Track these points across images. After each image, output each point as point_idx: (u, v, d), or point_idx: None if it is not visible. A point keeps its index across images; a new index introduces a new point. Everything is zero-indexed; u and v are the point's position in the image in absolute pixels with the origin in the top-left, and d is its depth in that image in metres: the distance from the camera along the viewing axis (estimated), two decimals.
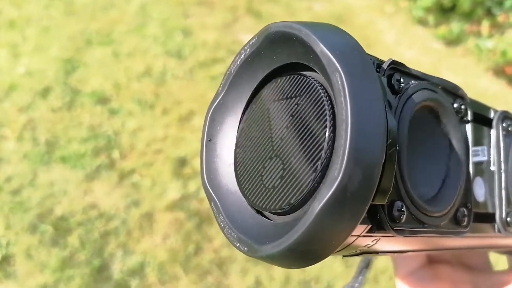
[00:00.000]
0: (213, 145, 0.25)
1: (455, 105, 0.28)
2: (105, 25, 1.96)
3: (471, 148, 0.29)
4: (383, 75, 0.23)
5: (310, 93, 0.21)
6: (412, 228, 0.23)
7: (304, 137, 0.21)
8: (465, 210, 0.27)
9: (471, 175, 0.28)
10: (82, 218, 1.24)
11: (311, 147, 0.20)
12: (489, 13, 2.36)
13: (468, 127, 0.29)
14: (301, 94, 0.22)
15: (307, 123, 0.21)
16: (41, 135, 1.44)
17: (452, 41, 2.40)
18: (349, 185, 0.17)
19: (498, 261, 0.42)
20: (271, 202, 0.21)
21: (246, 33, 2.16)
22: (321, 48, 0.19)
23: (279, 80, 0.23)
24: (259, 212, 0.23)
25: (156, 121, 1.59)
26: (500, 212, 0.30)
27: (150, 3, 2.15)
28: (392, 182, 0.20)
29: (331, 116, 0.20)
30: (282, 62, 0.23)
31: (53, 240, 1.18)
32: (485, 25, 2.33)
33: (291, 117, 0.22)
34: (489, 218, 0.30)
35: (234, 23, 2.21)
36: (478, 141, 0.31)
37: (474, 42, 2.33)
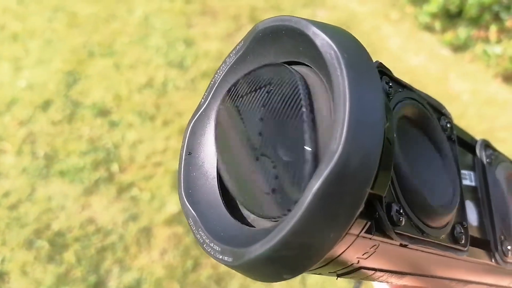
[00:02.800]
0: (193, 158, 0.24)
1: (440, 123, 0.27)
2: (107, 36, 1.96)
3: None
4: None
5: (280, 77, 0.20)
6: (412, 235, 0.21)
7: (283, 124, 0.19)
8: (461, 227, 0.25)
9: (464, 196, 0.27)
10: (79, 234, 1.23)
11: (293, 133, 0.18)
12: (497, 18, 2.31)
13: (456, 147, 0.28)
14: (271, 82, 0.20)
15: (282, 108, 0.19)
16: (40, 148, 1.43)
17: (460, 47, 2.35)
18: (350, 161, 0.16)
19: None
20: (272, 208, 0.19)
21: None
22: (313, 30, 0.18)
23: (245, 76, 0.22)
24: (244, 223, 0.21)
25: (156, 133, 1.57)
26: (495, 240, 0.29)
27: (153, 14, 2.15)
28: (391, 172, 0.19)
29: (306, 92, 0.19)
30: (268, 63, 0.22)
31: (49, 256, 1.16)
32: (493, 30, 2.29)
33: (263, 108, 0.20)
34: (484, 244, 0.29)
35: (237, 32, 2.19)
36: (464, 165, 0.30)
37: (482, 48, 2.28)
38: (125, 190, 1.36)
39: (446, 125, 0.27)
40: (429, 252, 0.23)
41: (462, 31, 2.36)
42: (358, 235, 0.19)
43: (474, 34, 2.33)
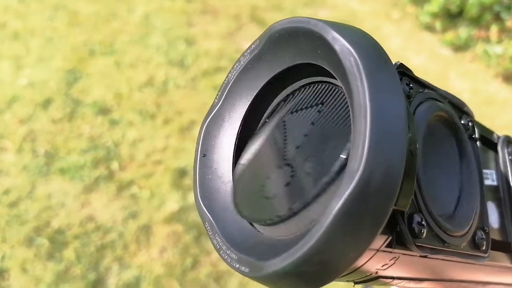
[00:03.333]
0: (208, 160, 0.24)
1: (462, 121, 0.26)
2: (108, 35, 1.96)
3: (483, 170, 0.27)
4: None
5: (334, 98, 0.19)
6: (433, 246, 0.21)
7: (324, 144, 0.19)
8: (482, 233, 0.25)
9: (485, 198, 0.26)
10: (78, 231, 1.23)
11: (332, 150, 0.18)
12: (497, 18, 2.31)
13: (478, 146, 0.27)
14: (324, 101, 0.20)
15: (331, 127, 0.19)
16: (40, 146, 1.44)
17: (460, 47, 2.35)
18: (372, 179, 0.15)
19: None
20: (267, 212, 0.19)
21: (250, 41, 2.14)
22: (333, 34, 0.17)
23: (298, 91, 0.22)
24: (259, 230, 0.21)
25: (156, 131, 1.57)
26: None
27: (153, 13, 2.15)
28: (414, 184, 0.19)
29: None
30: (284, 65, 0.21)
31: (49, 253, 1.16)
32: (493, 30, 2.28)
33: (312, 125, 0.20)
34: (505, 247, 0.28)
35: (237, 31, 2.20)
36: (486, 164, 0.29)
37: (483, 48, 2.28)
38: (125, 188, 1.36)
39: (468, 124, 0.26)
40: (449, 260, 0.23)
41: (463, 31, 2.36)
42: (378, 250, 0.19)
43: (475, 34, 2.33)
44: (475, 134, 0.27)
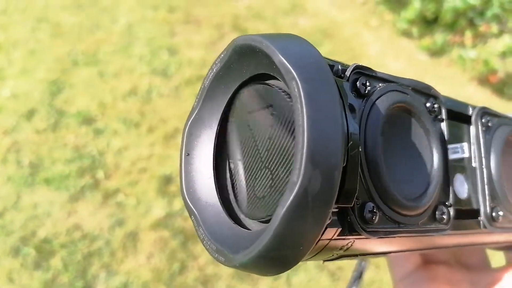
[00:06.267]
0: (191, 159, 0.26)
1: (427, 104, 0.28)
2: (91, 45, 1.97)
3: (449, 146, 0.29)
4: (347, 79, 0.24)
5: (281, 102, 0.22)
6: (387, 229, 0.23)
7: (285, 147, 0.21)
8: (443, 207, 0.27)
9: (450, 172, 0.29)
10: (65, 240, 1.23)
11: (290, 157, 0.21)
12: (471, 23, 2.39)
13: (444, 125, 0.29)
14: (272, 104, 0.23)
15: (285, 133, 0.21)
16: (25, 157, 1.44)
17: (436, 52, 2.43)
18: (309, 188, 0.18)
19: (496, 257, 0.41)
20: (259, 211, 0.22)
21: None
22: (279, 58, 0.20)
23: (250, 90, 0.24)
24: (236, 222, 0.24)
25: (141, 139, 1.59)
26: (485, 208, 0.30)
27: (136, 23, 2.17)
28: (357, 184, 0.21)
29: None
30: (251, 73, 0.24)
31: (35, 263, 1.17)
32: (468, 36, 2.37)
33: (270, 128, 0.22)
34: (473, 214, 0.30)
35: (220, 40, 2.23)
36: (457, 139, 0.31)
37: (458, 53, 2.36)
38: (110, 196, 1.37)
39: (433, 106, 0.28)
40: (409, 236, 0.26)
41: (439, 37, 2.43)
42: (331, 239, 0.22)
43: (450, 39, 2.40)
44: (441, 114, 0.29)
